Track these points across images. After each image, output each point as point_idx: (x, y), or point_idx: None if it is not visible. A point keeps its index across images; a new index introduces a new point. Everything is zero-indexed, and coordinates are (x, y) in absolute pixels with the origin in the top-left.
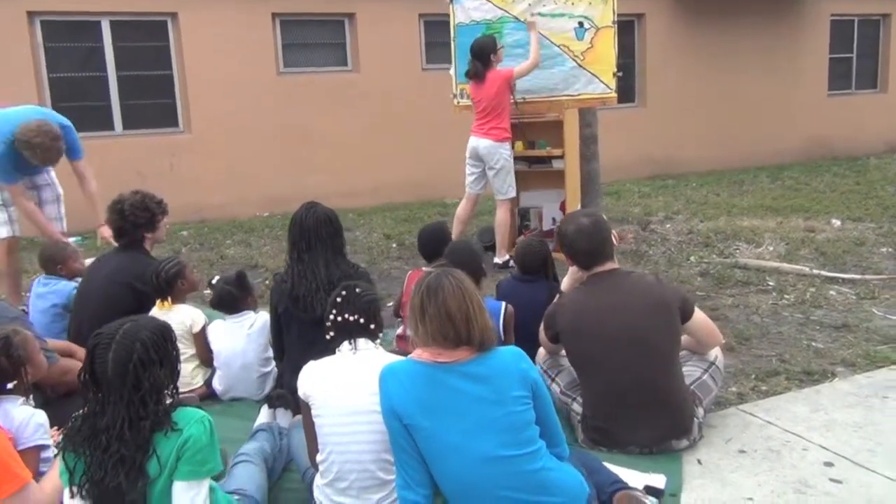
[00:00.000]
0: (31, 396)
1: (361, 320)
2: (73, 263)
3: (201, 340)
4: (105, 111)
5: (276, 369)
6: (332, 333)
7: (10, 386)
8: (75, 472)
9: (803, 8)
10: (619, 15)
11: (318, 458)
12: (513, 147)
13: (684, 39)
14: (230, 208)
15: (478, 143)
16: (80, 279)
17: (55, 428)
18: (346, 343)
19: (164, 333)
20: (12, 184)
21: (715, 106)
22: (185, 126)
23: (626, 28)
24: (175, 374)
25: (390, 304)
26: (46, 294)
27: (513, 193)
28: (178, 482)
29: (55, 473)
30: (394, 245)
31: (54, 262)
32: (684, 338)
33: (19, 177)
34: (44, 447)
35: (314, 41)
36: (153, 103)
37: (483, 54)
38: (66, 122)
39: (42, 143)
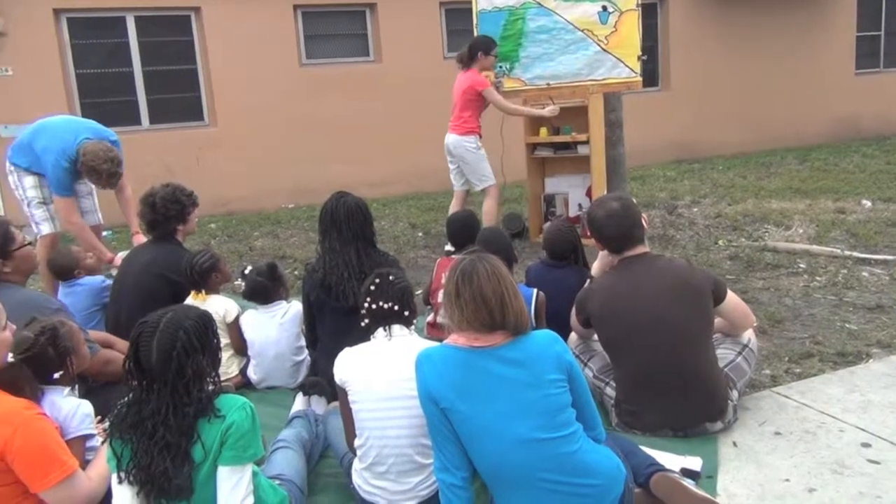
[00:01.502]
0: (76, 387)
1: (395, 307)
2: (85, 262)
3: (235, 330)
4: (132, 106)
5: (309, 357)
6: (366, 321)
7: (56, 376)
8: (122, 458)
9: None
10: None
11: (356, 442)
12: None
13: (707, 21)
14: (256, 200)
15: (447, 138)
16: (99, 273)
17: (97, 417)
18: (380, 330)
19: (206, 322)
20: (67, 197)
21: (740, 87)
22: (210, 120)
23: (649, 11)
24: (217, 361)
25: (419, 291)
26: (74, 293)
27: (489, 182)
28: (221, 467)
29: (101, 461)
30: (420, 234)
31: (70, 269)
32: (717, 320)
33: (73, 191)
34: (89, 436)
35: (336, 32)
36: (179, 97)
37: (473, 49)
38: (114, 136)
39: (108, 170)
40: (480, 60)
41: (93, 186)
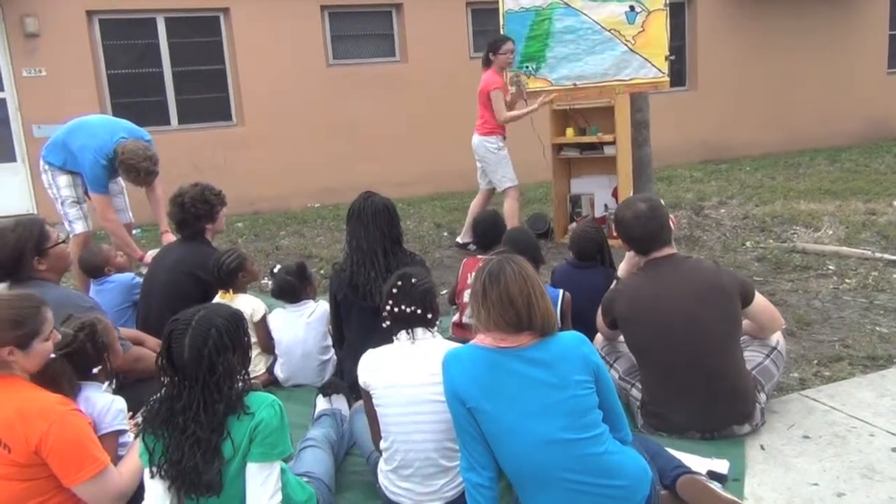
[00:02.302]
0: (113, 382)
1: (418, 311)
2: (116, 259)
3: (262, 329)
4: (161, 106)
5: (335, 357)
6: (388, 323)
7: (94, 371)
8: (154, 453)
9: None
10: None
11: (382, 444)
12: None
13: (735, 20)
14: (283, 200)
15: (473, 138)
16: (129, 271)
17: (129, 413)
18: (403, 332)
19: (237, 320)
20: (103, 194)
21: (768, 87)
22: (238, 119)
23: (677, 10)
24: (247, 359)
25: (444, 291)
26: (105, 291)
27: (507, 184)
28: (250, 464)
29: (133, 457)
30: (445, 234)
31: (99, 267)
32: (745, 322)
33: (108, 188)
34: (122, 432)
35: (362, 32)
36: (207, 98)
37: (487, 50)
38: (148, 135)
39: (147, 168)
40: (495, 60)
41: (123, 185)
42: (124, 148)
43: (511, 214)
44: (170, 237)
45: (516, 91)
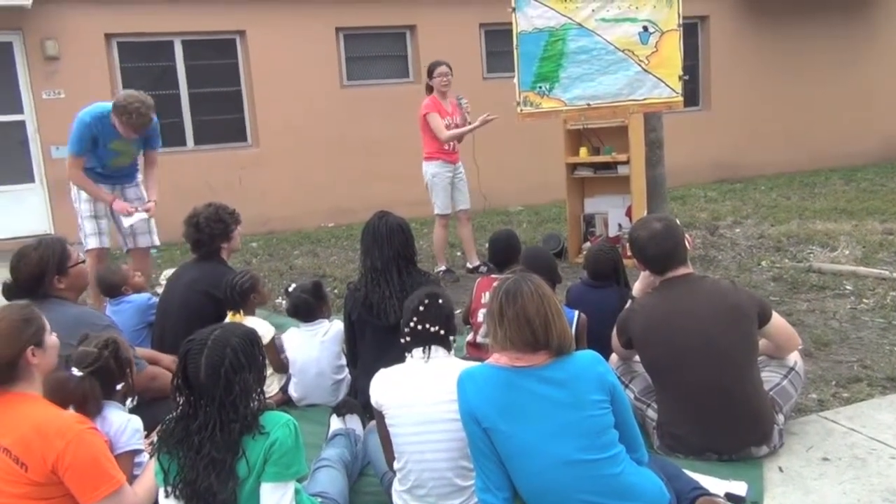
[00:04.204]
0: (134, 399)
1: (441, 331)
2: (133, 280)
3: (272, 351)
4: (177, 127)
5: (349, 376)
6: (407, 339)
7: (119, 387)
8: (169, 472)
9: (875, 4)
10: (682, 17)
11: (396, 465)
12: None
13: (750, 40)
14: (297, 220)
15: None
16: (146, 291)
17: (144, 433)
18: (418, 350)
19: (253, 340)
20: (78, 156)
21: (783, 107)
22: (253, 140)
23: (690, 30)
24: (262, 378)
25: (459, 311)
26: (122, 311)
27: (436, 211)
28: (265, 483)
29: (148, 476)
30: (458, 253)
31: (117, 286)
32: (762, 342)
33: (89, 153)
34: (138, 451)
35: (377, 54)
36: (223, 119)
37: (427, 74)
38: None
39: (138, 109)
40: (433, 84)
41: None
42: (120, 94)
43: (435, 242)
44: (152, 207)
45: (462, 121)
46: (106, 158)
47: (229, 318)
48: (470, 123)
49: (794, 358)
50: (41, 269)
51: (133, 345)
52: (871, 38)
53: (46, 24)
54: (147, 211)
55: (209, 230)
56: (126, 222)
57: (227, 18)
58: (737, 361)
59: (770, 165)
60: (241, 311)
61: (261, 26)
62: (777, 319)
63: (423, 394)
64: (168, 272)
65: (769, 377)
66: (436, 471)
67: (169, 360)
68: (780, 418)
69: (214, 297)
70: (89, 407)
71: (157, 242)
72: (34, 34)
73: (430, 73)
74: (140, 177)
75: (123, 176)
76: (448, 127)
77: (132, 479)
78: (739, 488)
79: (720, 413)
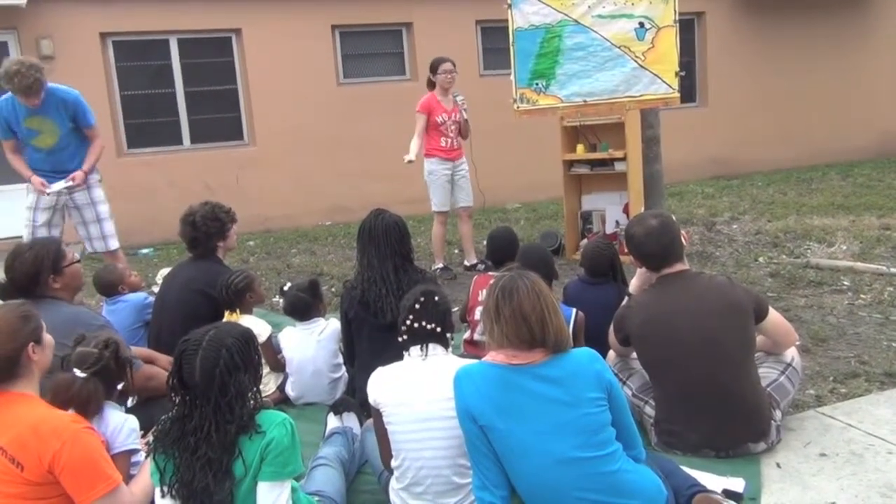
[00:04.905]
0: (134, 398)
1: (438, 329)
2: (130, 279)
3: (268, 350)
4: (174, 126)
5: (346, 374)
6: (404, 337)
7: (119, 387)
8: (165, 472)
9: (871, 0)
10: (679, 13)
11: (393, 463)
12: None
13: (746, 36)
14: (294, 218)
15: None
16: (142, 290)
17: (140, 432)
18: (415, 348)
19: (248, 339)
20: (5, 139)
21: (780, 102)
22: (249, 139)
23: (686, 26)
24: (258, 378)
25: (456, 309)
26: (118, 311)
27: (433, 208)
28: (261, 483)
29: (144, 476)
30: (456, 251)
31: (113, 284)
32: (759, 338)
33: (15, 139)
34: (134, 451)
35: (373, 51)
36: (219, 118)
37: (430, 70)
38: (73, 91)
39: (19, 71)
40: (436, 80)
41: (100, 212)
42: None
43: (433, 239)
44: (80, 176)
45: (462, 117)
46: (28, 139)
47: (226, 317)
48: (467, 121)
49: (792, 354)
50: (36, 268)
51: (129, 344)
52: (868, 34)
53: (41, 23)
54: (72, 179)
55: (205, 229)
56: (49, 193)
57: (223, 17)
58: (734, 358)
59: (767, 161)
60: (238, 311)
61: (256, 24)
62: (774, 315)
63: (420, 391)
64: (164, 271)
65: (766, 373)
66: (433, 468)
67: (165, 359)
68: (778, 414)
69: (211, 295)
70: (91, 408)
71: (113, 247)
72: (29, 33)
73: (433, 70)
74: (93, 178)
75: (69, 169)
76: (444, 124)
77: (129, 478)
78: (737, 485)
79: (717, 409)
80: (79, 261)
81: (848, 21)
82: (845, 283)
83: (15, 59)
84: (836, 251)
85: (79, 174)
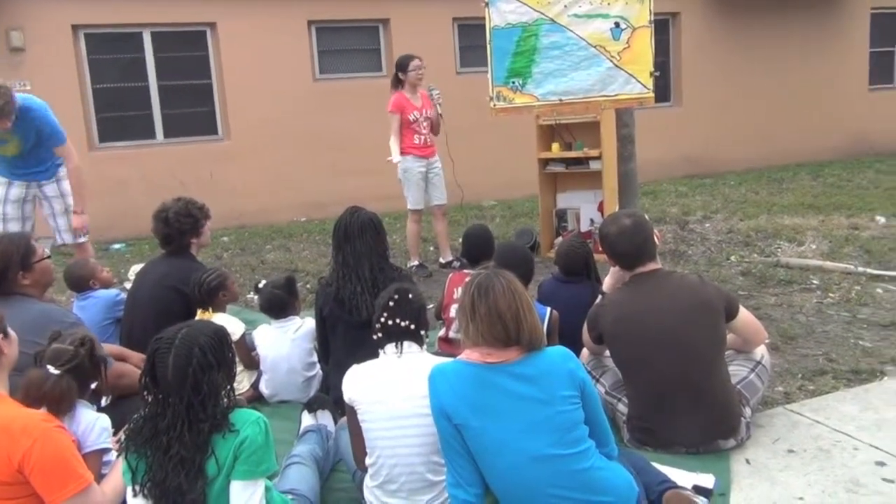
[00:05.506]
0: (109, 398)
1: (412, 326)
2: (101, 274)
3: (242, 348)
4: (147, 120)
5: (320, 372)
6: (379, 335)
7: (93, 386)
8: (137, 471)
9: (842, 1)
10: (654, 14)
11: (368, 461)
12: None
13: (720, 36)
14: (269, 214)
15: None
16: (114, 287)
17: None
18: (390, 346)
19: (222, 337)
20: None
21: (752, 103)
22: (224, 134)
23: (661, 26)
24: (231, 376)
25: (431, 306)
26: (89, 306)
27: (408, 206)
28: (235, 482)
29: (116, 475)
30: (431, 248)
31: (85, 279)
32: (730, 336)
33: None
34: (106, 451)
35: (349, 47)
36: (193, 112)
37: (398, 68)
38: (38, 104)
39: None
40: (406, 79)
41: (69, 204)
42: None
43: (408, 237)
44: (83, 219)
45: (434, 113)
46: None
47: (198, 315)
48: (441, 116)
49: (761, 352)
50: (5, 264)
51: (100, 341)
52: (838, 36)
53: (11, 14)
54: (74, 218)
55: (178, 225)
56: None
57: (198, 10)
58: (705, 356)
59: (739, 161)
60: (210, 309)
61: (232, 18)
62: (744, 314)
63: (395, 389)
64: (136, 267)
65: (737, 371)
66: (407, 466)
67: (137, 357)
68: (748, 411)
69: (184, 292)
70: (63, 406)
71: (81, 239)
72: None
73: (402, 68)
74: (63, 171)
75: (35, 171)
76: (416, 122)
77: (100, 478)
78: (707, 481)
79: (689, 407)
80: (49, 256)
81: (819, 23)
82: (814, 281)
83: None
84: (805, 250)
85: (78, 223)
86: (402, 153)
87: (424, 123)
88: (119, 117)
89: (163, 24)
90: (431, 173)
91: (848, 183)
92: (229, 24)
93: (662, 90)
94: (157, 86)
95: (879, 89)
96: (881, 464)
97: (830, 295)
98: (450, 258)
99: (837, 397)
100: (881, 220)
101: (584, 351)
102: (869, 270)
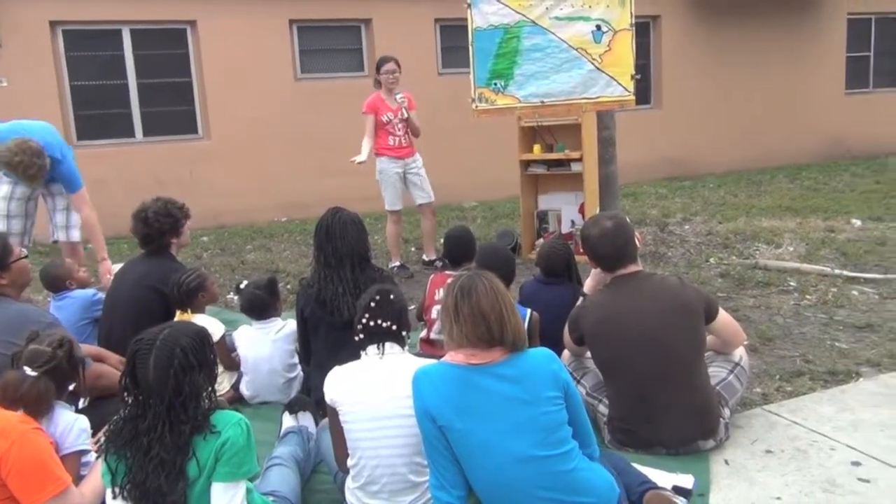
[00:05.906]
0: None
1: (393, 327)
2: (78, 274)
3: (223, 349)
4: (125, 118)
5: (301, 373)
6: (361, 336)
7: (71, 388)
8: (117, 473)
9: (819, 7)
10: (635, 17)
11: (350, 462)
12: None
13: (700, 40)
14: (249, 214)
15: None
16: (91, 287)
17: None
18: (373, 347)
19: (203, 339)
20: None
21: (731, 106)
22: (204, 133)
23: (642, 29)
24: (213, 378)
25: (412, 307)
26: (66, 306)
27: (386, 207)
28: (216, 483)
29: (95, 477)
30: (413, 249)
31: (62, 279)
32: (709, 338)
33: None
34: (85, 452)
35: (331, 47)
36: (173, 110)
37: (376, 69)
38: (68, 155)
39: (23, 162)
40: (381, 80)
41: (62, 202)
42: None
43: (387, 238)
44: (108, 265)
45: (403, 117)
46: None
47: (178, 316)
48: (409, 119)
49: (740, 353)
50: None
51: (77, 341)
52: (815, 43)
53: None
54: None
55: (158, 225)
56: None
57: (178, 8)
58: (684, 357)
59: (719, 163)
60: (190, 310)
61: (212, 17)
62: (723, 316)
63: (377, 390)
64: (116, 267)
65: (716, 372)
66: (389, 466)
67: (115, 358)
68: (726, 412)
69: (163, 293)
70: (41, 408)
71: (74, 238)
72: None
73: (378, 69)
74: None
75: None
76: (389, 123)
77: (79, 480)
78: (686, 481)
79: (669, 408)
80: (26, 256)
81: (797, 27)
82: (792, 283)
83: (15, 145)
84: (783, 252)
85: (106, 264)
86: (378, 154)
87: (399, 125)
88: (98, 115)
89: (142, 22)
90: (410, 173)
91: (825, 186)
92: (210, 23)
93: (643, 93)
94: (136, 84)
95: (855, 93)
96: (857, 464)
97: (807, 297)
98: (433, 256)
99: (814, 398)
100: (857, 222)
101: (566, 352)
102: (845, 273)
